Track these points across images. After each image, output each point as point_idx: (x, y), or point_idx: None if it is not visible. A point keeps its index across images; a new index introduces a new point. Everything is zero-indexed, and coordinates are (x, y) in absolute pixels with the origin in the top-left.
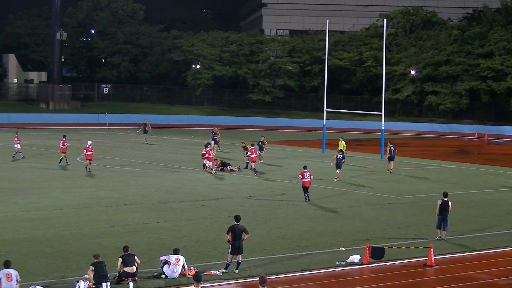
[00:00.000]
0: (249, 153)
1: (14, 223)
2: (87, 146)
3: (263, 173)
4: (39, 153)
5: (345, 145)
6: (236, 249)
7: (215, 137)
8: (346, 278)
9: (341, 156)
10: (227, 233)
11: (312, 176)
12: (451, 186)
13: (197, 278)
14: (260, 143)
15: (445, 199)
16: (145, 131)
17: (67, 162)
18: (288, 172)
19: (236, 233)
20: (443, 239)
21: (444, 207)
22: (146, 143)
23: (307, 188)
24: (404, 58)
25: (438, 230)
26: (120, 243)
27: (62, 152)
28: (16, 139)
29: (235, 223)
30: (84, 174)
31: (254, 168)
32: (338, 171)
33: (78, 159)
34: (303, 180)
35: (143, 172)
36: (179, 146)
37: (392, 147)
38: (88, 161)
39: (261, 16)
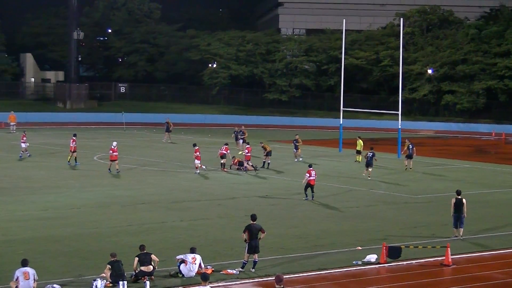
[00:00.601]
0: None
1: (31, 222)
2: (113, 147)
3: (281, 172)
4: (56, 152)
5: (362, 144)
6: (253, 248)
7: (242, 136)
8: (363, 277)
9: (371, 154)
10: (244, 232)
11: (316, 175)
12: (468, 186)
13: (204, 278)
14: (294, 141)
15: (459, 197)
16: (168, 130)
17: (76, 162)
18: (304, 172)
19: (252, 232)
20: (460, 238)
21: (458, 205)
22: (170, 142)
23: (313, 186)
24: (421, 57)
25: (455, 229)
26: (136, 242)
27: (71, 151)
28: (23, 138)
29: (252, 222)
30: (102, 173)
31: (252, 165)
32: (370, 169)
33: (95, 158)
34: (309, 178)
35: (160, 171)
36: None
37: (410, 145)
38: (112, 162)
39: (278, 15)
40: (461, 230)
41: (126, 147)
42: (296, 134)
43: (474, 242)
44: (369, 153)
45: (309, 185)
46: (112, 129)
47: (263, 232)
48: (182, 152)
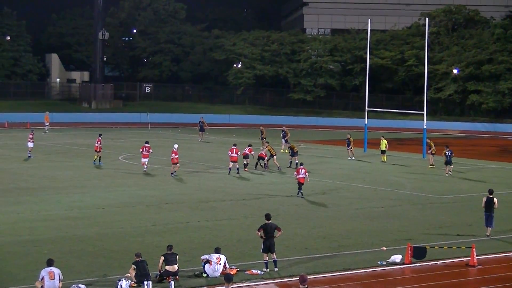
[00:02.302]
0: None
1: (56, 221)
2: (174, 149)
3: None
4: (81, 152)
5: (386, 144)
6: (267, 247)
7: (285, 137)
8: (388, 278)
9: (450, 152)
10: (258, 230)
11: (307, 173)
12: (493, 186)
13: (228, 279)
14: (347, 140)
15: (490, 196)
16: (202, 129)
17: (100, 162)
18: (330, 172)
19: (268, 231)
20: (488, 236)
21: (489, 204)
22: (203, 141)
23: (301, 184)
24: (446, 57)
25: (487, 228)
26: (161, 242)
27: (96, 151)
28: (30, 137)
29: (266, 221)
30: (126, 173)
31: (237, 168)
32: (451, 167)
33: (120, 158)
34: (298, 176)
35: (185, 171)
36: (220, 145)
37: (447, 152)
38: (174, 165)
39: (303, 15)
40: (490, 229)
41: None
42: (348, 134)
43: (500, 242)
44: (447, 152)
45: (299, 183)
46: (137, 129)
47: (279, 230)
48: (207, 152)
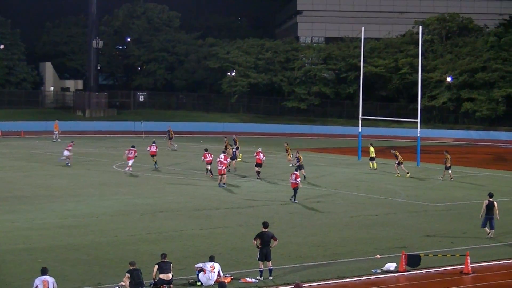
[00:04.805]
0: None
1: (51, 230)
2: (221, 159)
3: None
4: (76, 161)
5: (373, 151)
6: (264, 255)
7: (236, 144)
8: (382, 286)
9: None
10: (255, 239)
11: (298, 179)
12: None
13: (222, 287)
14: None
15: (491, 200)
16: (169, 138)
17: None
18: (324, 180)
19: (264, 239)
20: (491, 237)
21: (490, 207)
22: (171, 149)
23: (294, 189)
24: (440, 65)
25: (486, 229)
26: (156, 250)
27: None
28: (69, 147)
29: (263, 229)
30: (121, 182)
31: (210, 170)
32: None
33: (114, 166)
34: (291, 181)
35: (179, 179)
36: (214, 154)
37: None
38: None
39: (297, 24)
40: (492, 232)
41: (145, 156)
42: (285, 142)
43: (494, 250)
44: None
45: (293, 189)
46: (131, 137)
47: (275, 240)
48: (201, 160)
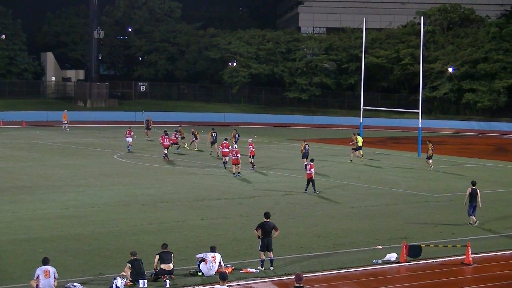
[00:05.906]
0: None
1: (52, 220)
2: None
3: (299, 170)
4: (76, 151)
5: (361, 140)
6: (265, 246)
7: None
8: (383, 276)
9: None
10: (256, 229)
11: (312, 169)
12: (488, 184)
13: (223, 277)
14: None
15: (474, 187)
16: (147, 128)
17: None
18: (325, 170)
19: (265, 229)
20: (474, 225)
21: (473, 195)
22: (148, 139)
23: (309, 180)
24: (441, 56)
25: (472, 217)
26: (157, 240)
27: (175, 144)
28: (130, 133)
29: (265, 219)
30: (122, 172)
31: (167, 154)
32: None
33: (115, 156)
34: (307, 172)
35: (180, 169)
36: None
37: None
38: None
39: (298, 14)
40: (473, 218)
41: (146, 146)
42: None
43: (495, 241)
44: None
45: (308, 180)
46: (133, 128)
47: (277, 230)
48: (202, 151)
